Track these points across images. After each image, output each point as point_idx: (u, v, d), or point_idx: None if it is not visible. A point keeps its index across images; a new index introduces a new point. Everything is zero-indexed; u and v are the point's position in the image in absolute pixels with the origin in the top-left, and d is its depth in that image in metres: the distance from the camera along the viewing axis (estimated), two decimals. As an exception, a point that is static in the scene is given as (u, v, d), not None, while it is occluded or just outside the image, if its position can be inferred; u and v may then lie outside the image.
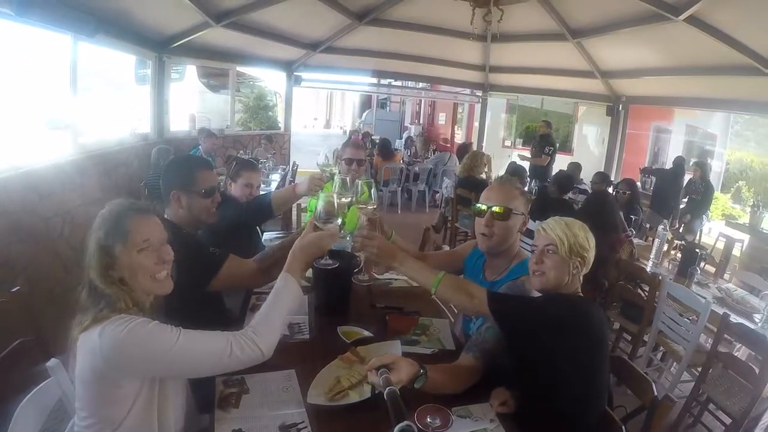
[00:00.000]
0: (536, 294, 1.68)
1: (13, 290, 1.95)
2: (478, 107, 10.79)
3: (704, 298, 3.04)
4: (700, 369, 2.90)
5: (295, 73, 9.08)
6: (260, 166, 6.41)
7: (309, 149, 9.76)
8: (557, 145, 8.64)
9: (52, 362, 1.45)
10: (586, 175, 7.11)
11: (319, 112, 26.04)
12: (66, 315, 1.29)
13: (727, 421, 2.77)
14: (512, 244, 1.92)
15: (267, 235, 3.41)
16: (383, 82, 12.48)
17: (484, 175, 6.43)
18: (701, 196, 6.79)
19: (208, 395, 1.50)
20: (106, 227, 1.32)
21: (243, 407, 1.45)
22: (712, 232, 7.19)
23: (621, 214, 4.45)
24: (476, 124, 11.34)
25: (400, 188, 8.75)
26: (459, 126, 15.24)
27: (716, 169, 10.12)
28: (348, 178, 1.79)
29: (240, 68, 9.51)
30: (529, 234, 1.93)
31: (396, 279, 2.64)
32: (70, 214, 4.32)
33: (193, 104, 11.25)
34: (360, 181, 1.73)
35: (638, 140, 10.04)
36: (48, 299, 3.63)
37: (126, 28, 5.53)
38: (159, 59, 6.64)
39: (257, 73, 13.00)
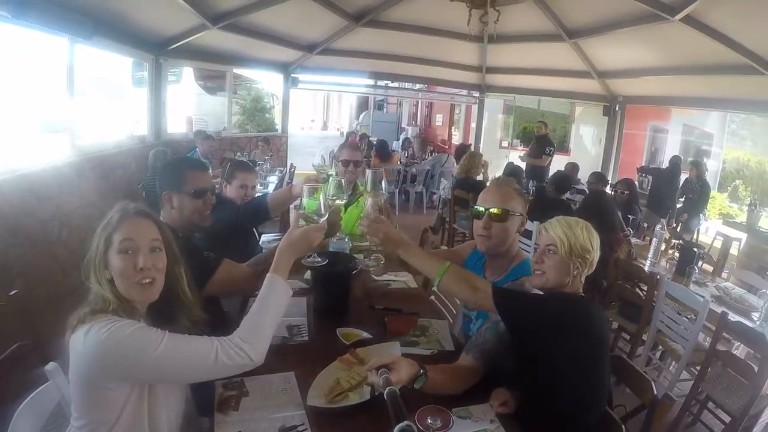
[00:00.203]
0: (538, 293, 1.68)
1: (11, 293, 1.94)
2: (475, 108, 10.81)
3: (702, 296, 3.04)
4: (699, 367, 2.90)
5: (292, 75, 9.07)
6: (257, 168, 6.40)
7: (306, 151, 9.78)
8: (555, 145, 8.67)
9: (51, 366, 1.44)
10: (583, 176, 7.13)
11: (316, 113, 26.06)
12: (64, 318, 1.28)
13: (727, 419, 2.77)
14: (511, 245, 1.92)
15: (265, 237, 3.41)
16: (380, 83, 12.49)
17: (481, 176, 6.44)
18: (698, 195, 6.81)
19: (208, 398, 1.49)
20: (103, 226, 1.31)
21: (242, 410, 1.44)
22: (709, 231, 7.20)
23: (619, 213, 4.46)
24: (473, 125, 11.35)
25: (397, 190, 8.75)
26: (456, 127, 15.27)
27: (713, 168, 10.14)
28: (343, 180, 1.79)
29: (237, 70, 9.50)
30: (527, 234, 1.94)
31: (395, 280, 2.64)
32: (68, 217, 4.30)
33: (190, 106, 11.25)
34: (370, 171, 1.71)
35: (635, 140, 10.07)
36: (46, 302, 3.62)
37: (123, 31, 5.51)
38: (156, 61, 6.63)
39: (254, 75, 13.02)
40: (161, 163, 4.86)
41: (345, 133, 15.60)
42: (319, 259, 1.69)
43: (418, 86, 12.76)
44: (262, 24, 6.66)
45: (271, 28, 6.94)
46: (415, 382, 1.40)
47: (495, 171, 8.73)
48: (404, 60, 8.75)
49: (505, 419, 1.48)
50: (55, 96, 4.82)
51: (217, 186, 3.13)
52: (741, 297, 3.49)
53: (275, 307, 1.43)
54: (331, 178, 1.83)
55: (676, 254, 4.17)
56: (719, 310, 2.96)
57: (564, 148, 11.32)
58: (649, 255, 4.15)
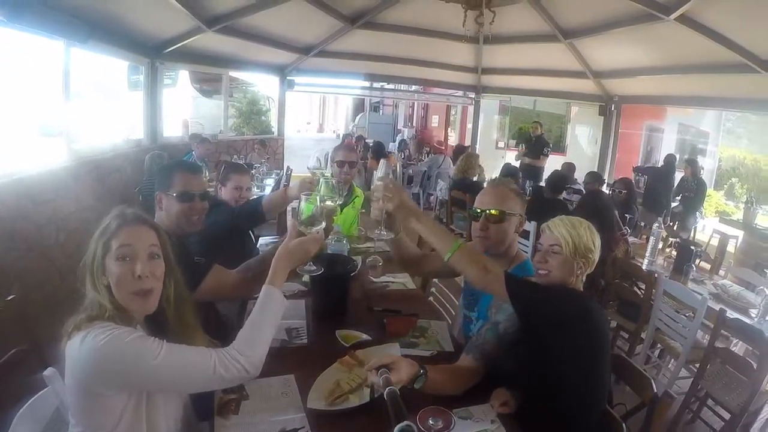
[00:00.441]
0: None
1: (8, 298, 1.93)
2: (471, 109, 10.82)
3: (700, 294, 3.04)
4: (698, 365, 2.91)
5: (288, 78, 9.07)
6: (254, 171, 6.41)
7: (303, 153, 9.73)
8: (551, 145, 8.71)
9: (49, 371, 1.43)
10: (580, 175, 7.14)
11: (312, 116, 26.07)
12: (62, 323, 1.27)
13: (726, 416, 2.77)
14: (510, 245, 1.92)
15: (262, 240, 3.40)
16: (376, 85, 12.50)
17: (477, 177, 6.45)
18: (694, 193, 6.83)
19: (207, 402, 1.48)
20: (100, 231, 1.30)
21: (243, 413, 1.44)
22: (706, 229, 7.23)
23: (616, 213, 4.47)
24: (469, 126, 11.37)
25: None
26: (452, 128, 15.30)
27: (709, 166, 10.20)
28: (334, 181, 1.78)
29: (233, 73, 9.48)
30: (524, 234, 1.94)
31: (393, 281, 2.64)
32: (65, 221, 4.29)
33: (186, 110, 11.23)
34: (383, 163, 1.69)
35: (631, 139, 10.11)
36: (43, 307, 3.60)
37: (119, 34, 5.50)
38: (152, 65, 6.62)
39: (250, 78, 13.00)
40: (157, 166, 4.85)
41: (341, 135, 15.61)
42: (315, 267, 1.65)
43: (414, 88, 12.79)
44: (258, 27, 6.66)
45: (266, 30, 6.94)
46: (415, 383, 1.39)
47: (491, 172, 8.76)
48: (400, 61, 8.77)
49: (506, 419, 1.48)
50: (51, 100, 4.81)
51: (212, 189, 3.13)
52: (739, 294, 3.49)
53: (272, 319, 1.42)
54: (321, 179, 1.82)
55: (674, 253, 4.18)
56: (717, 307, 2.96)
57: (560, 149, 11.36)
58: (647, 254, 4.16)
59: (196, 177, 2.02)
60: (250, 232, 3.15)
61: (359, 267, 2.34)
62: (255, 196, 3.24)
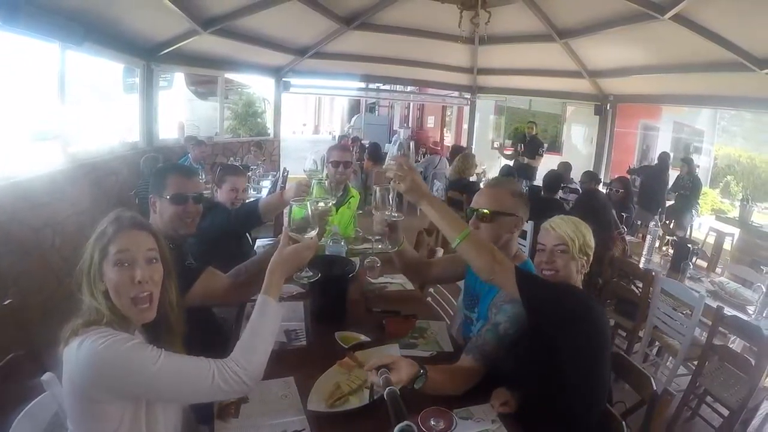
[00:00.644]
0: None
1: (5, 302, 1.92)
2: (466, 110, 10.83)
3: (698, 292, 3.06)
4: (696, 362, 2.92)
5: (283, 79, 9.05)
6: (250, 172, 6.40)
7: (298, 155, 9.72)
8: (545, 145, 8.74)
9: (47, 376, 1.42)
10: (576, 175, 7.15)
11: (308, 117, 26.04)
12: (59, 327, 1.26)
13: (725, 413, 2.78)
14: (506, 245, 1.90)
15: (260, 242, 3.40)
16: (372, 86, 12.50)
17: (474, 177, 6.45)
18: (689, 191, 6.86)
19: (207, 406, 1.47)
20: (97, 236, 1.28)
21: (243, 416, 1.43)
22: (702, 227, 7.27)
23: (614, 211, 4.48)
24: (465, 126, 11.37)
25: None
26: (448, 129, 15.29)
27: (704, 164, 10.25)
28: (327, 182, 1.78)
29: (228, 75, 9.47)
30: (522, 234, 1.94)
31: (391, 282, 2.64)
32: (61, 225, 4.27)
33: (181, 112, 11.19)
34: (377, 188, 1.70)
35: (626, 138, 10.15)
36: (40, 311, 3.58)
37: (114, 37, 5.49)
38: (147, 67, 6.61)
39: (245, 80, 12.96)
40: (152, 169, 4.84)
41: (337, 137, 15.59)
42: (311, 273, 1.63)
43: (409, 88, 12.79)
44: (253, 28, 6.65)
45: (262, 32, 6.93)
46: (415, 383, 1.39)
47: (487, 172, 8.79)
48: (396, 62, 8.77)
49: (507, 419, 1.48)
50: (47, 103, 4.79)
51: (208, 192, 3.13)
52: (736, 291, 3.51)
53: (268, 330, 1.39)
54: (313, 181, 1.82)
55: (670, 251, 4.19)
56: (714, 304, 2.97)
57: (556, 148, 11.39)
58: (644, 252, 4.17)
59: (189, 179, 2.01)
60: (247, 234, 3.15)
61: (357, 268, 2.34)
62: (251, 198, 3.24)
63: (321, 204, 1.73)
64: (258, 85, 13.43)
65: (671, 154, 7.89)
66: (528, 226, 4.07)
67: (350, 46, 7.96)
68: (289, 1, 5.67)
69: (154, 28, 5.93)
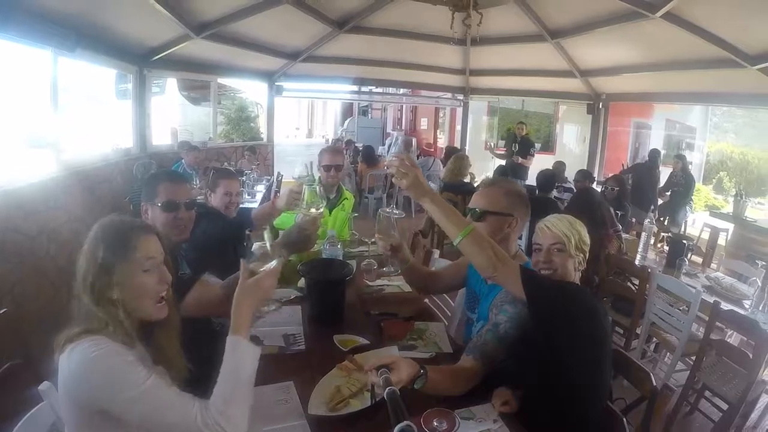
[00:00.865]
0: None
1: (0, 311, 1.91)
2: (459, 111, 10.84)
3: (694, 287, 3.07)
4: (694, 357, 2.93)
5: (276, 84, 9.04)
6: (244, 177, 6.38)
7: (292, 159, 9.72)
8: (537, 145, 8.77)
9: (44, 385, 1.41)
10: (570, 174, 7.18)
11: (301, 121, 25.98)
12: (56, 335, 1.23)
13: (724, 406, 2.80)
14: (503, 244, 1.89)
15: (257, 245, 3.37)
16: (364, 89, 12.51)
17: (468, 178, 6.46)
18: (683, 188, 6.90)
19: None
20: (106, 244, 1.24)
21: (243, 422, 1.42)
22: (696, 223, 7.31)
23: (611, 209, 4.50)
24: (458, 127, 11.39)
25: (385, 195, 8.70)
26: (441, 130, 15.32)
27: (697, 161, 10.30)
28: (318, 187, 1.78)
29: (221, 80, 9.44)
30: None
31: (388, 285, 2.63)
32: (56, 232, 4.24)
33: (174, 118, 11.15)
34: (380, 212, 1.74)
35: (619, 137, 10.19)
36: (37, 320, 3.55)
37: (106, 42, 5.46)
38: (140, 73, 6.56)
39: (238, 85, 12.95)
40: (144, 175, 4.83)
41: (331, 140, 15.56)
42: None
43: (402, 91, 12.80)
44: (246, 33, 6.64)
45: (254, 36, 6.92)
46: (415, 383, 1.39)
47: (481, 173, 8.80)
48: (388, 65, 8.76)
49: (508, 418, 1.48)
50: (40, 110, 4.77)
51: (201, 198, 3.11)
52: (732, 286, 3.53)
53: (245, 373, 1.28)
54: (304, 187, 1.81)
55: (666, 247, 4.22)
56: (711, 299, 2.99)
57: (549, 148, 11.42)
58: (639, 249, 4.19)
59: (180, 186, 1.99)
60: (246, 239, 3.13)
61: (354, 271, 2.34)
62: (245, 204, 3.22)
63: (313, 210, 1.73)
64: (251, 90, 13.44)
65: (662, 151, 7.93)
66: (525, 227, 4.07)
67: (342, 50, 7.95)
68: (281, 6, 5.67)
69: (146, 33, 5.90)
